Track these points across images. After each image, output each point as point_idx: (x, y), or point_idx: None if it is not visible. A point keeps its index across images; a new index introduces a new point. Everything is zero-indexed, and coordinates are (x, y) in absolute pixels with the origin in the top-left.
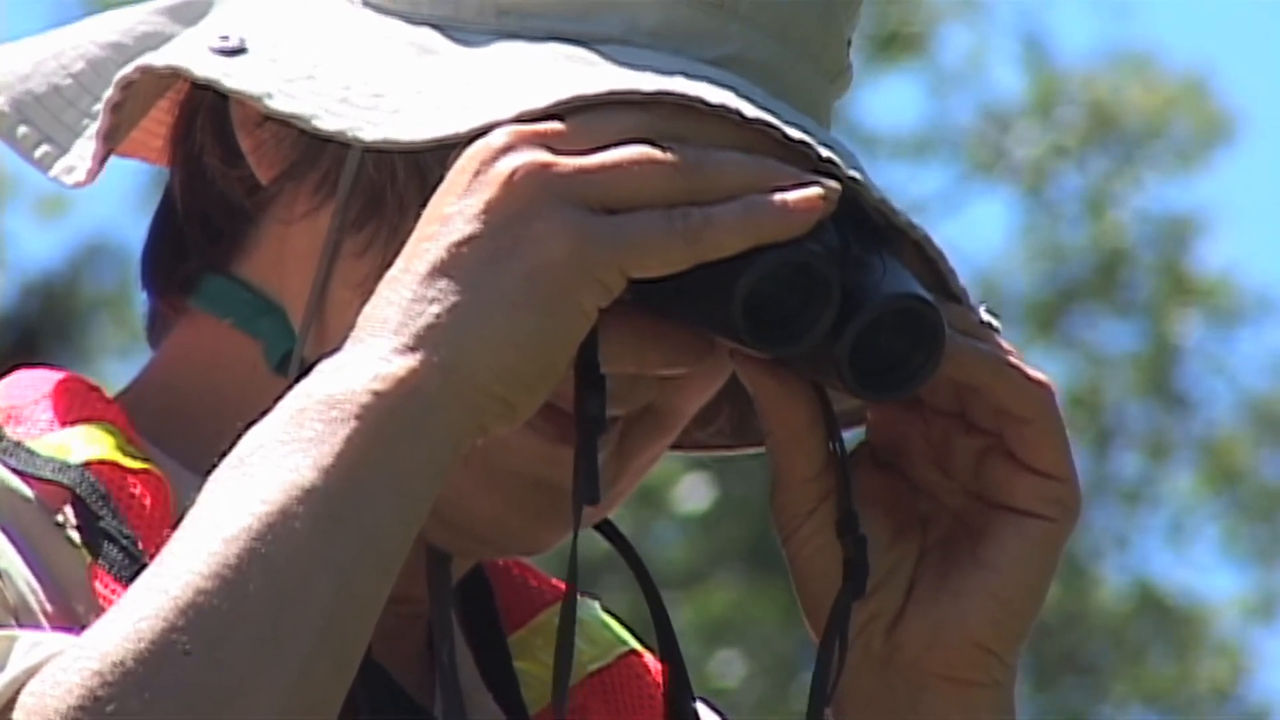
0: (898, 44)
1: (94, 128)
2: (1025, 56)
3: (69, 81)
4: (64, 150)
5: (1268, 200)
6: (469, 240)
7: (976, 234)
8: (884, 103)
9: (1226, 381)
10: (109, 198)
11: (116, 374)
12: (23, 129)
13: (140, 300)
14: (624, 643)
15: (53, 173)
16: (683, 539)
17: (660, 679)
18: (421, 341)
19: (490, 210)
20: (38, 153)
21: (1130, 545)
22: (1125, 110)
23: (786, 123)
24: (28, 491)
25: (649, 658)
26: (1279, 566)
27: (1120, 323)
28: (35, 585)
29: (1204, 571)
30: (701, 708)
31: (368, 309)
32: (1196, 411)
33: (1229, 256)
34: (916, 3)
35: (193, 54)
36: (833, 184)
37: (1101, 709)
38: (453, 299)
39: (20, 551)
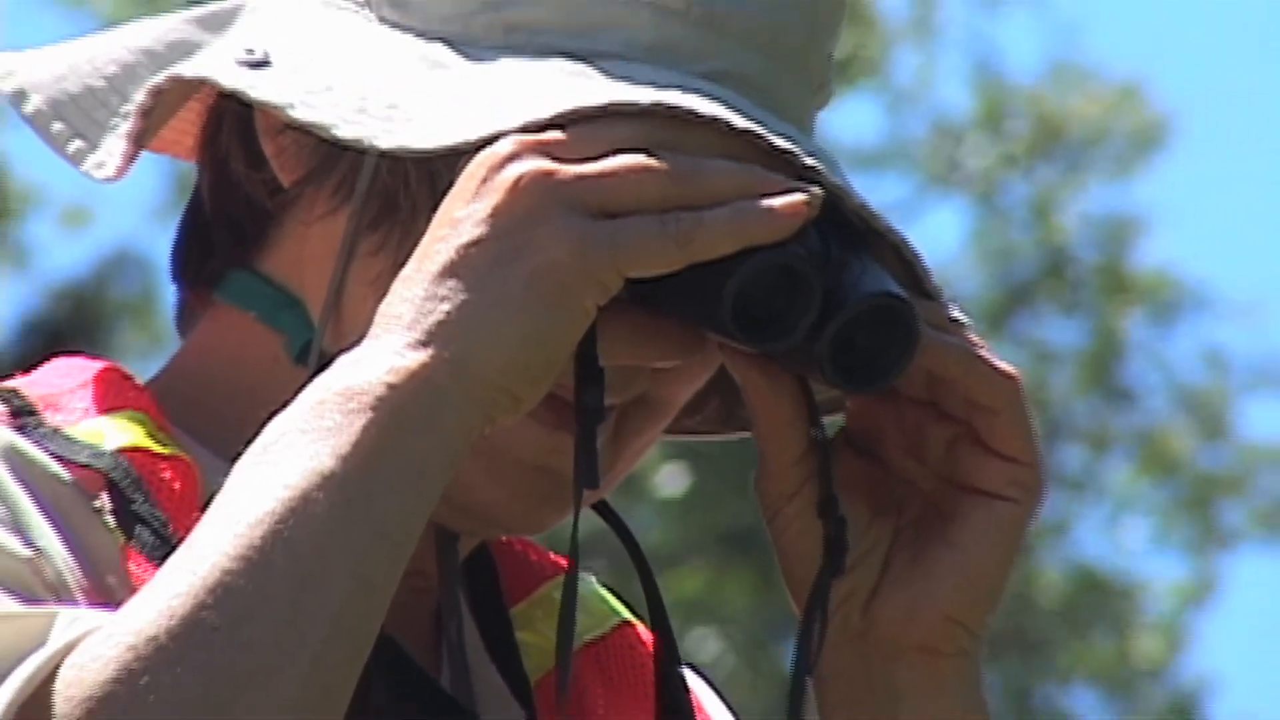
0: (855, 66)
1: (124, 127)
2: (974, 74)
3: (102, 83)
4: (95, 147)
5: (1202, 199)
6: (477, 243)
7: (931, 240)
8: (844, 119)
9: (1164, 375)
10: (131, 209)
11: (139, 374)
12: (57, 125)
13: (165, 301)
14: (618, 614)
15: (84, 167)
16: (660, 523)
17: (651, 649)
18: (433, 337)
19: (497, 215)
20: (70, 148)
21: (1073, 531)
22: (1068, 121)
23: (773, 132)
24: (66, 475)
25: (641, 629)
26: (1212, 552)
27: (1065, 321)
28: (73, 564)
29: (1142, 556)
30: (688, 674)
31: (383, 306)
32: (1136, 404)
33: (1166, 255)
34: (872, 27)
35: (220, 65)
36: (816, 190)
37: (1046, 684)
38: (462, 298)
39: (59, 532)
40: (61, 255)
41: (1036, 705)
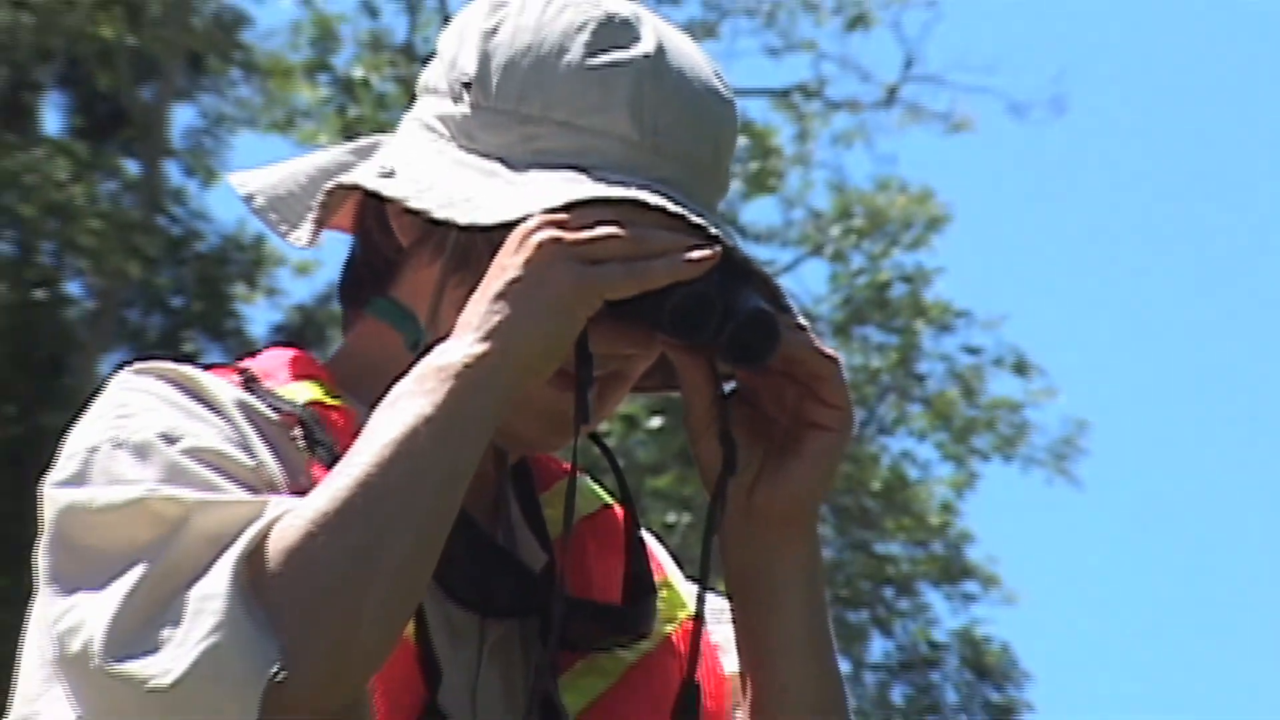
0: (764, 180)
1: (312, 215)
2: (833, 185)
3: (299, 188)
4: (295, 227)
5: (966, 259)
6: (516, 280)
7: (808, 284)
8: (757, 213)
9: (943, 363)
10: (338, 263)
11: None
12: (272, 214)
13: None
14: (603, 499)
15: (288, 239)
16: (647, 445)
17: (623, 519)
18: (490, 336)
19: (528, 263)
20: (280, 228)
21: (890, 451)
22: (888, 212)
23: (692, 213)
24: (275, 417)
25: (618, 509)
26: (970, 462)
27: (884, 332)
28: (279, 471)
29: (929, 465)
30: (647, 536)
31: (461, 317)
32: (926, 378)
33: (945, 292)
34: (773, 155)
35: (366, 176)
36: (718, 248)
37: (876, 539)
38: (507, 312)
39: (271, 452)
40: (297, 290)
41: (873, 552)
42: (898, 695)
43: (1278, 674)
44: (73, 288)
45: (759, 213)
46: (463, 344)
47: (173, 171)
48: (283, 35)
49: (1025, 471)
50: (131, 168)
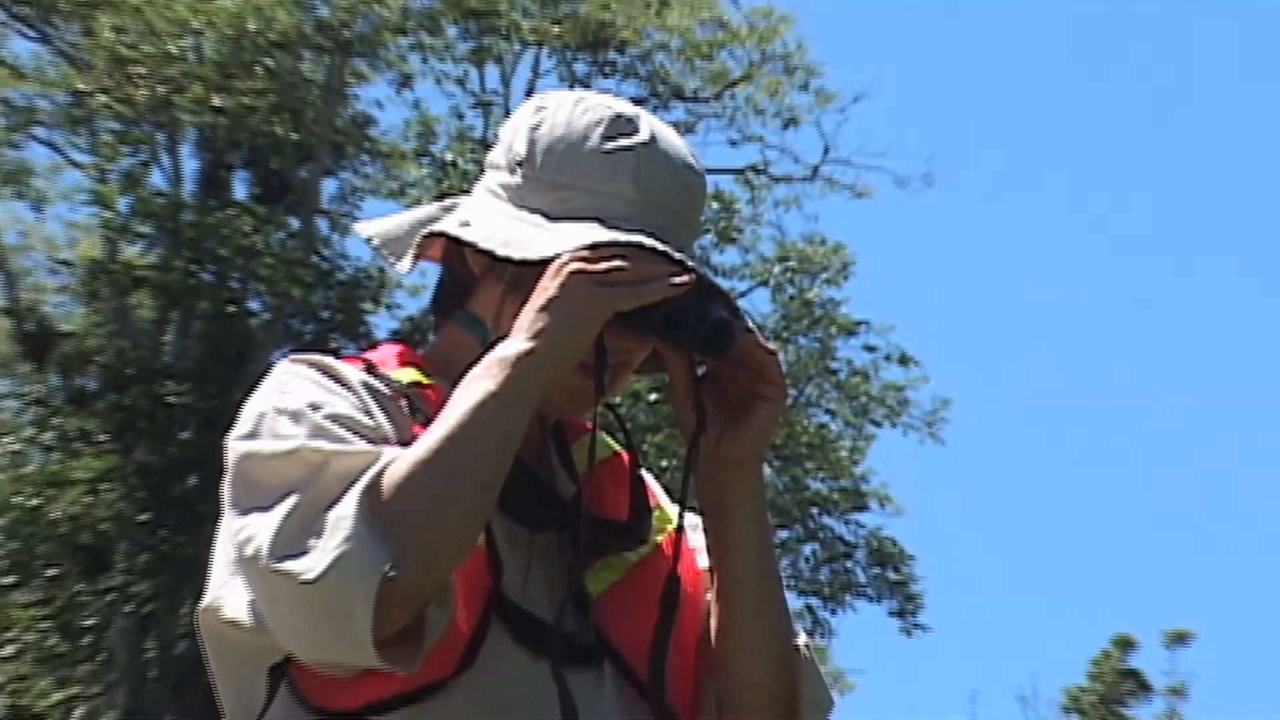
0: (726, 233)
1: (412, 251)
2: (775, 238)
3: (403, 233)
4: (400, 259)
5: (863, 289)
6: (554, 298)
7: (757, 305)
8: (721, 257)
9: (853, 359)
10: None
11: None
12: (384, 250)
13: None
14: (614, 449)
15: (395, 267)
16: (647, 413)
17: (628, 463)
18: (536, 337)
19: (562, 287)
20: (389, 259)
21: (814, 420)
22: (813, 257)
23: (675, 250)
24: (387, 392)
25: (625, 456)
26: (868, 429)
27: (808, 339)
28: (390, 431)
29: (839, 432)
30: (646, 474)
31: (516, 323)
32: (839, 370)
33: (855, 310)
34: (734, 213)
35: (450, 225)
36: (693, 276)
37: (808, 479)
38: (547, 320)
39: (385, 416)
40: (409, 305)
41: (808, 489)
42: (824, 576)
43: (1065, 558)
44: (254, 304)
45: (725, 257)
46: (516, 342)
47: (321, 225)
48: (397, 130)
49: (906, 434)
50: (294, 223)
